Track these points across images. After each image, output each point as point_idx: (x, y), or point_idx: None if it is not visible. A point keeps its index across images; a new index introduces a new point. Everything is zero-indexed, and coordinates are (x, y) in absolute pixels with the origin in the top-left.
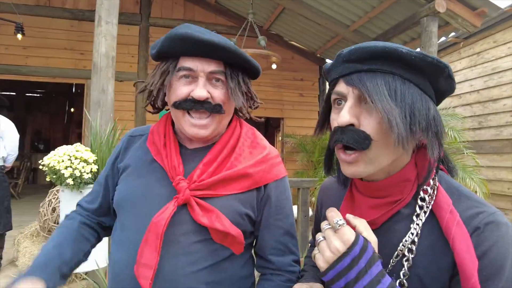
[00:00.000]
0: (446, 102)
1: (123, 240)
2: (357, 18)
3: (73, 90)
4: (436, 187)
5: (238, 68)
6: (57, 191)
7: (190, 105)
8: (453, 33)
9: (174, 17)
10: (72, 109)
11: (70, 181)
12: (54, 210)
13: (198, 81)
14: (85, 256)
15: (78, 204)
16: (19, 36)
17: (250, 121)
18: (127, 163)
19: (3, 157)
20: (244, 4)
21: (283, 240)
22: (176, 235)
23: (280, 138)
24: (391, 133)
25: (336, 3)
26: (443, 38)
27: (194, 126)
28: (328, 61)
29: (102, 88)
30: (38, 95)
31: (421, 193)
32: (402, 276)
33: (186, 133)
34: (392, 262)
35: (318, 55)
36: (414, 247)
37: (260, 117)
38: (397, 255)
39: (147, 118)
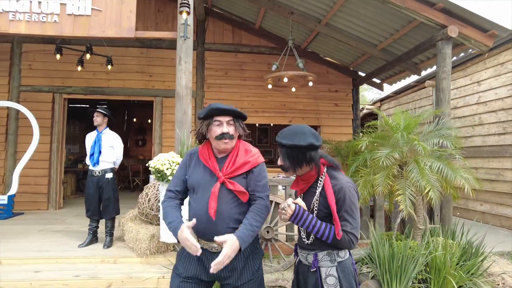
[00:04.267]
0: (473, 109)
1: (198, 200)
2: (384, 39)
3: (130, 102)
4: (324, 175)
5: (237, 117)
6: (151, 186)
7: (222, 136)
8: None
9: (225, 42)
10: (134, 119)
11: (171, 177)
12: (149, 200)
13: (223, 126)
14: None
15: (169, 190)
16: (109, 66)
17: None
18: (192, 167)
19: (114, 161)
20: (284, 28)
21: (260, 189)
22: (221, 195)
23: None
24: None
25: (364, 27)
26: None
27: (225, 144)
28: (361, 73)
29: (184, 111)
30: (104, 106)
31: (319, 179)
32: (314, 210)
33: (220, 148)
34: (311, 205)
35: (351, 68)
36: (317, 198)
37: (247, 133)
38: (314, 201)
39: None
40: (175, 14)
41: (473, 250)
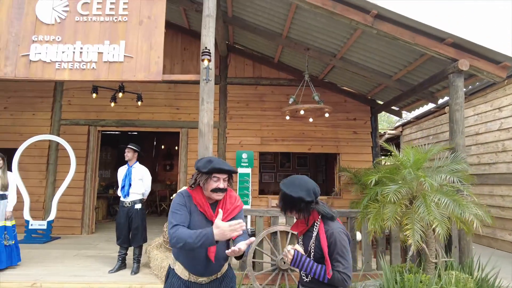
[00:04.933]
0: (495, 135)
1: None
2: (398, 70)
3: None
4: (319, 222)
5: (230, 173)
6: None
7: (218, 190)
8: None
9: (246, 76)
10: (162, 146)
11: None
12: None
13: (220, 182)
14: None
15: (175, 224)
16: (139, 103)
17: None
18: (190, 208)
19: (143, 193)
20: (302, 61)
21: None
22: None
23: (337, 171)
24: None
25: (377, 60)
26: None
27: (218, 195)
28: (379, 102)
29: (206, 147)
30: (135, 133)
31: (315, 224)
32: (311, 252)
33: (214, 198)
34: (309, 247)
35: (369, 97)
36: (313, 242)
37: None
38: (311, 244)
39: (227, 157)
40: (200, 52)
41: (489, 285)
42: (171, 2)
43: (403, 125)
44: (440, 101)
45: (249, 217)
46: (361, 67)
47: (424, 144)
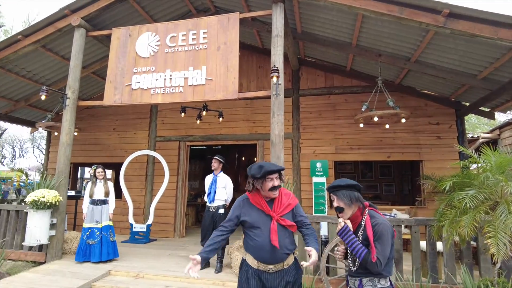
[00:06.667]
0: None
1: (259, 235)
2: (483, 68)
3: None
4: (366, 215)
5: (279, 172)
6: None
7: (274, 188)
8: None
9: (318, 86)
10: (243, 158)
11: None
12: None
13: (274, 180)
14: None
15: (222, 225)
16: (220, 119)
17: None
18: (246, 209)
19: (226, 199)
20: (375, 67)
21: (305, 218)
22: (278, 230)
23: (421, 180)
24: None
25: (457, 59)
26: None
27: (274, 193)
28: (464, 103)
29: (277, 156)
30: (219, 147)
31: (363, 218)
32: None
33: (270, 196)
34: (357, 237)
35: (453, 99)
36: (361, 232)
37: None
38: (358, 235)
39: (301, 166)
40: None
41: None
42: (245, 25)
43: (500, 127)
44: None
45: (323, 224)
46: (439, 69)
47: None
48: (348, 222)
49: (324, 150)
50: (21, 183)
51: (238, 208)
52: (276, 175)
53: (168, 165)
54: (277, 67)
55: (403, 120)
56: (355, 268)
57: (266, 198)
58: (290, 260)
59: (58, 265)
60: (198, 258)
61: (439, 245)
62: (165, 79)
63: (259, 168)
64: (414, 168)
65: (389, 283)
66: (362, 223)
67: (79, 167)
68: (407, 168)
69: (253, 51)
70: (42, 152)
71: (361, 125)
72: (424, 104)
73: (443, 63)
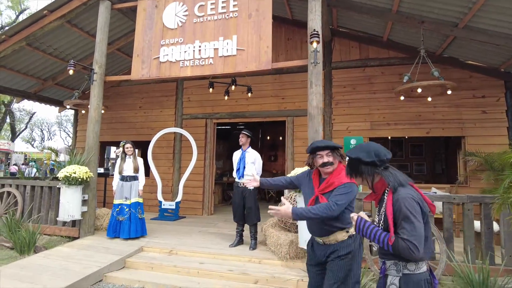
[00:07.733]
0: None
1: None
2: None
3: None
4: (388, 189)
5: (334, 149)
6: (288, 197)
7: (323, 165)
8: None
9: (352, 59)
10: (268, 137)
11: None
12: None
13: (323, 157)
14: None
15: (287, 176)
16: (249, 94)
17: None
18: (303, 180)
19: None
20: (415, 37)
21: (332, 197)
22: (316, 203)
23: (462, 156)
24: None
25: None
26: None
27: (327, 169)
28: None
29: (315, 130)
30: (242, 126)
31: (385, 192)
32: (381, 219)
33: (324, 172)
34: (380, 214)
35: (502, 69)
36: (384, 209)
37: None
38: (382, 211)
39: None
40: (303, 41)
41: None
42: None
43: None
44: None
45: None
46: (492, 34)
47: None
48: (362, 214)
49: (358, 126)
50: (52, 162)
51: (299, 176)
52: (327, 151)
53: (196, 142)
54: (317, 31)
55: (449, 92)
56: (376, 248)
57: (324, 174)
58: (339, 236)
59: (91, 240)
60: (258, 177)
61: (495, 226)
62: (194, 50)
63: (309, 146)
64: (449, 147)
65: (423, 269)
66: (384, 198)
67: (106, 147)
68: (440, 147)
69: (281, 23)
70: (69, 134)
71: (402, 97)
72: (469, 76)
73: (497, 27)
